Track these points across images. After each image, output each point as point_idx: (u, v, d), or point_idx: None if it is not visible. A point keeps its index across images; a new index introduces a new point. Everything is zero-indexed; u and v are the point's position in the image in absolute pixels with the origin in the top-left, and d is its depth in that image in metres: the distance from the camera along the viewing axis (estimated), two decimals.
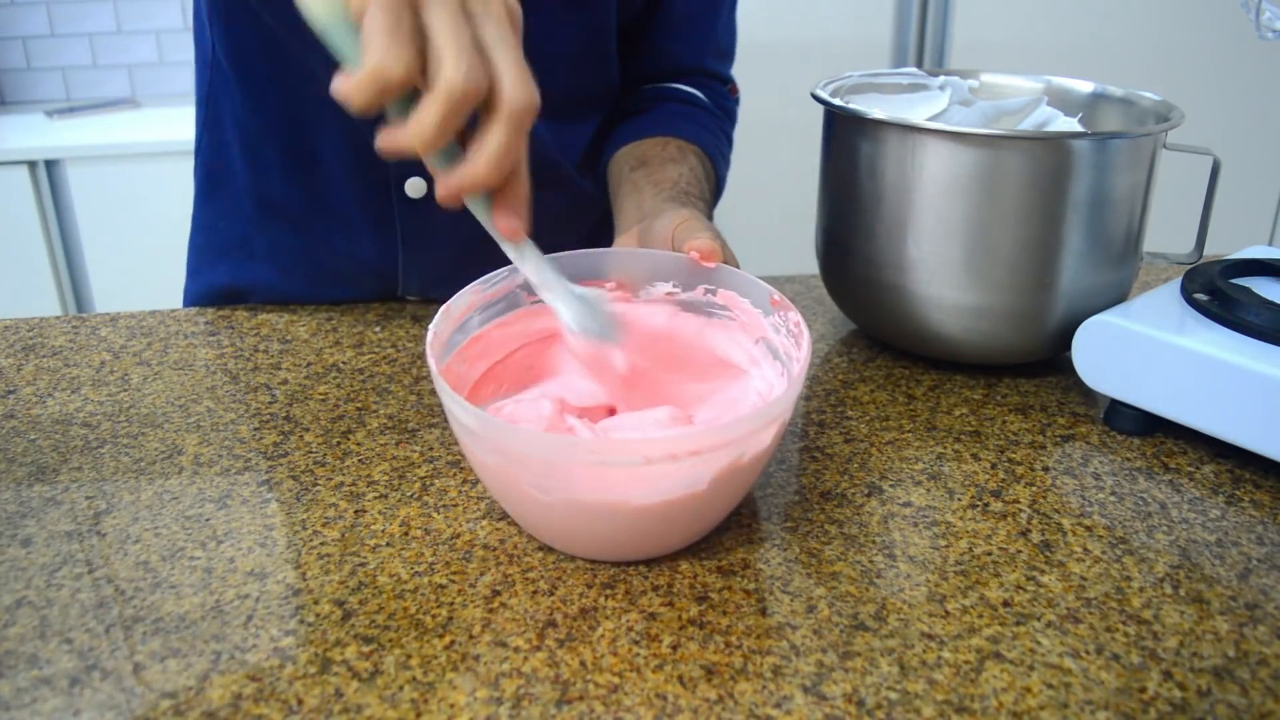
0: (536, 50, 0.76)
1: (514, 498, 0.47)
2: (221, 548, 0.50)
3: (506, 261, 0.58)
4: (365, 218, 0.78)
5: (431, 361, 0.47)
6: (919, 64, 1.94)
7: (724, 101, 0.89)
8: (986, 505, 0.54)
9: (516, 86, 0.43)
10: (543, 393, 0.55)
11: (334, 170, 0.77)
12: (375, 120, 0.46)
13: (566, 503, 0.45)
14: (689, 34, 0.85)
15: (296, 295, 0.80)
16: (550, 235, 0.91)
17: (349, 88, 0.42)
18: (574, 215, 0.87)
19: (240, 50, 0.74)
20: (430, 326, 0.50)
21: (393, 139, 0.44)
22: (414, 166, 0.76)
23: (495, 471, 0.46)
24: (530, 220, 0.49)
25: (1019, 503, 0.54)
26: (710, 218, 0.80)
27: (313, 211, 0.79)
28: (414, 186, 0.76)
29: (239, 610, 0.45)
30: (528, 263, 0.51)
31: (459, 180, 0.45)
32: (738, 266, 0.60)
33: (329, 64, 0.45)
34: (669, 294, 0.58)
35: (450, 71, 0.41)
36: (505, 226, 0.48)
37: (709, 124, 0.84)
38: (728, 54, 0.90)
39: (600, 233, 0.88)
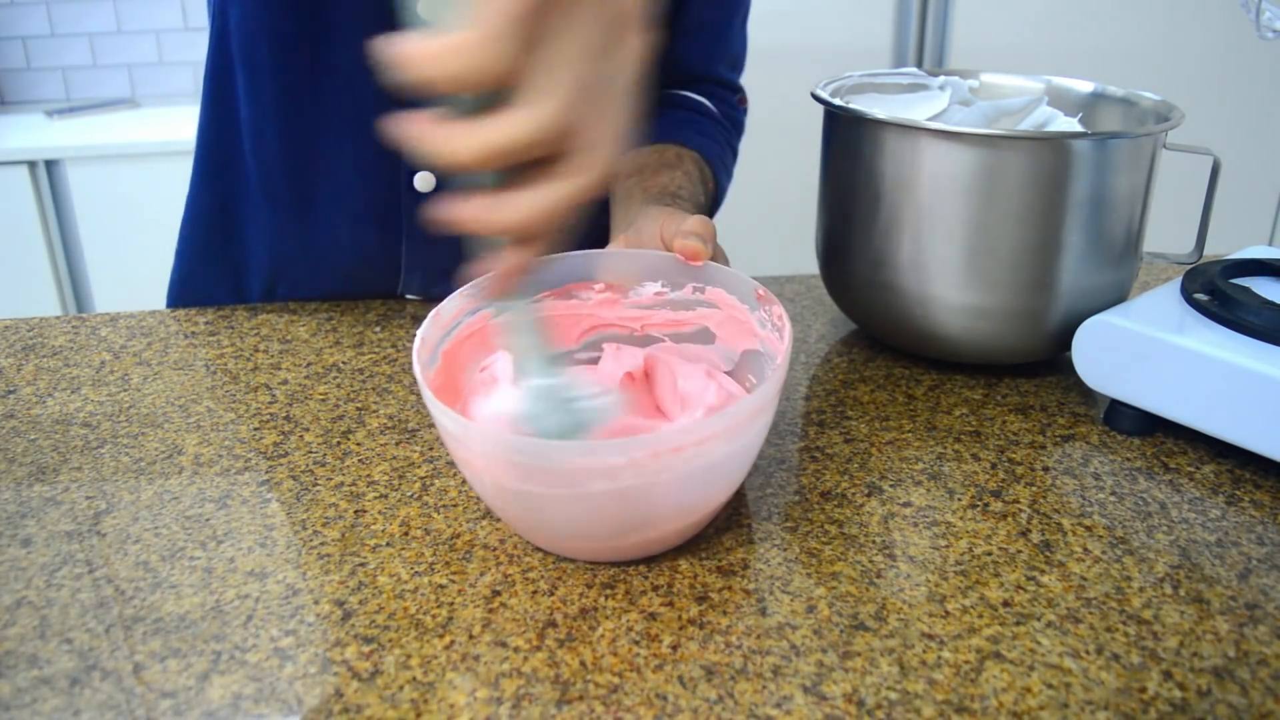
0: None
1: (498, 497, 0.47)
2: (221, 548, 0.50)
3: None
4: (370, 210, 0.78)
5: (418, 368, 0.47)
6: (919, 52, 1.94)
7: (732, 112, 0.89)
8: (986, 505, 0.54)
9: (598, 157, 0.37)
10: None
11: (339, 161, 0.76)
12: (386, 109, 0.41)
13: (551, 504, 0.45)
14: (702, 41, 0.85)
15: (295, 287, 0.80)
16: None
17: (422, 53, 0.34)
18: (586, 226, 0.87)
19: (244, 31, 0.74)
20: (419, 332, 0.50)
21: (429, 134, 0.36)
22: (441, 176, 0.76)
23: (479, 473, 0.46)
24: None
25: (1019, 503, 0.54)
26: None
27: (316, 202, 0.78)
28: (423, 180, 0.76)
29: (239, 610, 0.45)
30: (510, 332, 0.46)
31: (486, 214, 0.38)
32: (726, 260, 0.61)
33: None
34: (658, 293, 0.59)
35: (539, 112, 0.35)
36: (497, 287, 0.42)
37: (713, 133, 0.84)
38: (738, 63, 0.90)
39: (605, 240, 0.88)
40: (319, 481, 0.56)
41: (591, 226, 0.83)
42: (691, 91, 0.86)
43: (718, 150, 0.84)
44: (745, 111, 0.92)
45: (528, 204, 0.37)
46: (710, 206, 0.83)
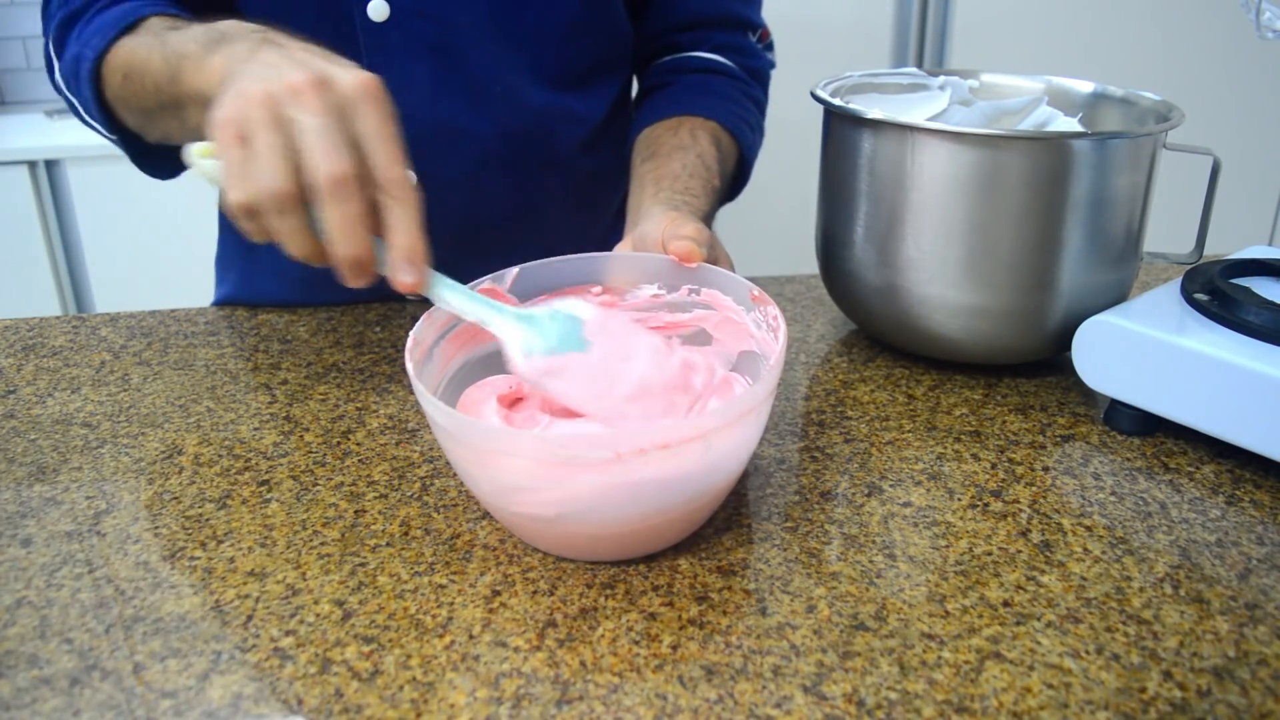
0: (535, 21, 0.75)
1: (492, 496, 0.47)
2: (221, 548, 0.50)
3: (499, 259, 0.58)
4: None
5: (410, 366, 0.47)
6: (919, 52, 1.94)
7: (751, 61, 0.84)
8: (986, 505, 0.54)
9: (382, 164, 0.47)
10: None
11: None
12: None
13: (545, 501, 0.45)
14: None
15: (299, 302, 0.80)
16: (547, 222, 0.88)
17: (235, 213, 0.46)
18: (573, 199, 0.83)
19: None
20: (412, 332, 0.50)
21: (332, 260, 0.47)
22: (412, 159, 0.75)
23: (470, 470, 0.46)
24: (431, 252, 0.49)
25: (1019, 503, 0.54)
26: (720, 199, 0.77)
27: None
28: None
29: (239, 610, 0.45)
30: (449, 302, 0.50)
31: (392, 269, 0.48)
32: (730, 264, 0.60)
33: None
34: (655, 295, 0.59)
35: (321, 168, 0.45)
36: (402, 285, 0.48)
37: (729, 92, 0.81)
38: None
39: (621, 218, 0.85)
40: (319, 481, 0.56)
41: (623, 204, 0.82)
42: (703, 50, 0.82)
43: (737, 109, 0.80)
44: (770, 46, 0.86)
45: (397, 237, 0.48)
46: (736, 173, 0.80)
